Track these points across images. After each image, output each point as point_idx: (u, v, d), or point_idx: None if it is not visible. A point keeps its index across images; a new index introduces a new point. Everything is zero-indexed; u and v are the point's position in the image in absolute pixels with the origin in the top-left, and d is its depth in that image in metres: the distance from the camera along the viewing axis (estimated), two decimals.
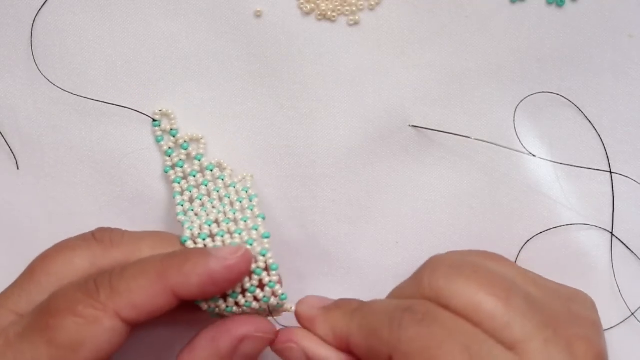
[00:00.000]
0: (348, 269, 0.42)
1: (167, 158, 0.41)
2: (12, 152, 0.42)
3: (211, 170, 0.41)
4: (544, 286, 0.35)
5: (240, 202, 0.38)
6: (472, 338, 0.31)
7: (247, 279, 0.36)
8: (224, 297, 0.36)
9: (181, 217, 0.38)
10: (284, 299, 0.36)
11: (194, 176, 0.40)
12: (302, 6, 0.41)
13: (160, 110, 0.41)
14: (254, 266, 0.36)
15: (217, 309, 0.36)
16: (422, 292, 0.34)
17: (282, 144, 0.42)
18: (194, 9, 0.41)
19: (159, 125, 0.41)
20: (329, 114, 0.41)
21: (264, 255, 0.36)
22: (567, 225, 0.41)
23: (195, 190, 0.40)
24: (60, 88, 0.41)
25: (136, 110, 0.41)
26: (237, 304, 0.36)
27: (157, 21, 0.41)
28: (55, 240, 0.37)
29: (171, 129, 0.41)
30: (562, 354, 0.31)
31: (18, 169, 0.42)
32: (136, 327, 0.34)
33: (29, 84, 0.41)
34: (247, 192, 0.39)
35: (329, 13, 0.41)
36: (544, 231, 0.41)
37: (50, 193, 0.42)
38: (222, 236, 0.37)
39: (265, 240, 0.37)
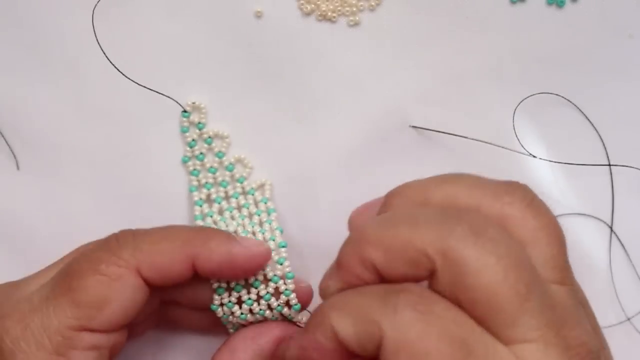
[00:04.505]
0: None
1: (189, 149, 0.41)
2: (12, 152, 0.42)
3: (230, 171, 0.41)
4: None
5: (259, 215, 0.39)
6: (470, 331, 0.28)
7: (262, 286, 0.36)
8: (239, 303, 0.37)
9: (200, 223, 0.39)
10: (297, 309, 0.37)
11: (213, 173, 0.41)
12: (302, 7, 0.41)
13: (193, 103, 0.41)
14: (270, 274, 0.36)
15: (231, 316, 0.37)
16: (440, 244, 0.28)
17: (282, 144, 0.42)
18: (193, 10, 0.41)
19: (188, 117, 0.41)
20: (329, 114, 0.41)
21: (281, 264, 0.37)
22: (564, 214, 0.41)
23: (213, 190, 0.40)
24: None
25: (170, 97, 0.41)
26: (251, 311, 0.37)
27: (156, 21, 0.41)
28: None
29: (199, 122, 0.41)
30: (560, 358, 0.29)
31: (18, 169, 0.42)
32: (153, 292, 0.35)
33: (29, 83, 0.42)
34: (265, 203, 0.40)
35: (329, 14, 0.41)
36: None
37: (50, 193, 0.42)
38: None
39: (282, 250, 0.37)
